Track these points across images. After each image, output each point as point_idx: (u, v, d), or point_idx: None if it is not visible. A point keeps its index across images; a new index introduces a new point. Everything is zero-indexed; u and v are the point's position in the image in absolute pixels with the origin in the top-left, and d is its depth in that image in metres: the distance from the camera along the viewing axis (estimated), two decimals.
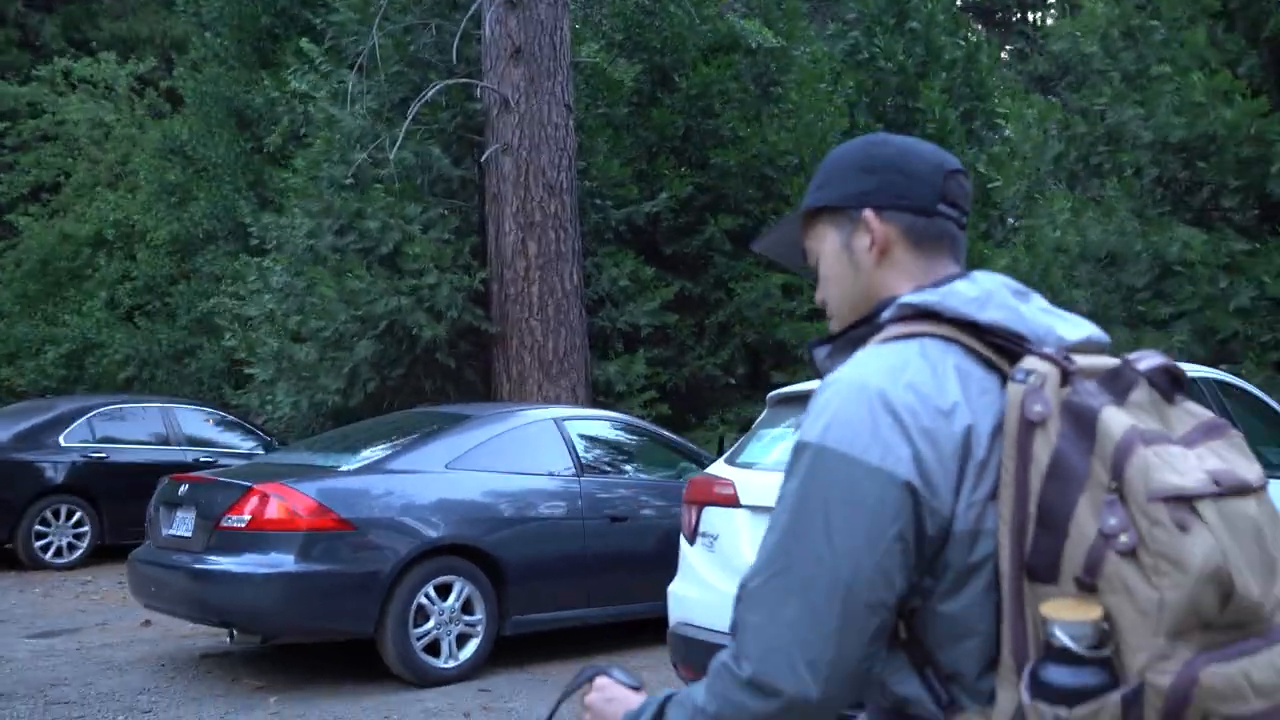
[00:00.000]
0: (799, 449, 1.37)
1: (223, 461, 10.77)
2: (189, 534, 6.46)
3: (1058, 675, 1.23)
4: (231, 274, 15.25)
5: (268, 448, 11.48)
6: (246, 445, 11.60)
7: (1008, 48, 25.78)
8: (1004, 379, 1.35)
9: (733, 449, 5.13)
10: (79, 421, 10.85)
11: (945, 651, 1.35)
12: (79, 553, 10.66)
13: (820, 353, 1.58)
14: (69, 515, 10.65)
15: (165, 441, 11.20)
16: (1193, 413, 1.35)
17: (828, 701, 1.32)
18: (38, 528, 10.49)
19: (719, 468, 5.01)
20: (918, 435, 1.32)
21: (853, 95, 13.53)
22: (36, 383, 17.69)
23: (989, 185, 11.32)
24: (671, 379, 12.13)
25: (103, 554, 10.80)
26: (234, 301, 14.32)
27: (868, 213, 1.53)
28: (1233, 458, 1.32)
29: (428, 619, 6.30)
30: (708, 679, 1.37)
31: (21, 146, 21.16)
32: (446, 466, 6.61)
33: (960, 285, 1.44)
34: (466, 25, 11.44)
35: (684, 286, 12.28)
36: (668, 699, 1.44)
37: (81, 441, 10.78)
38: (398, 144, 10.98)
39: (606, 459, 7.45)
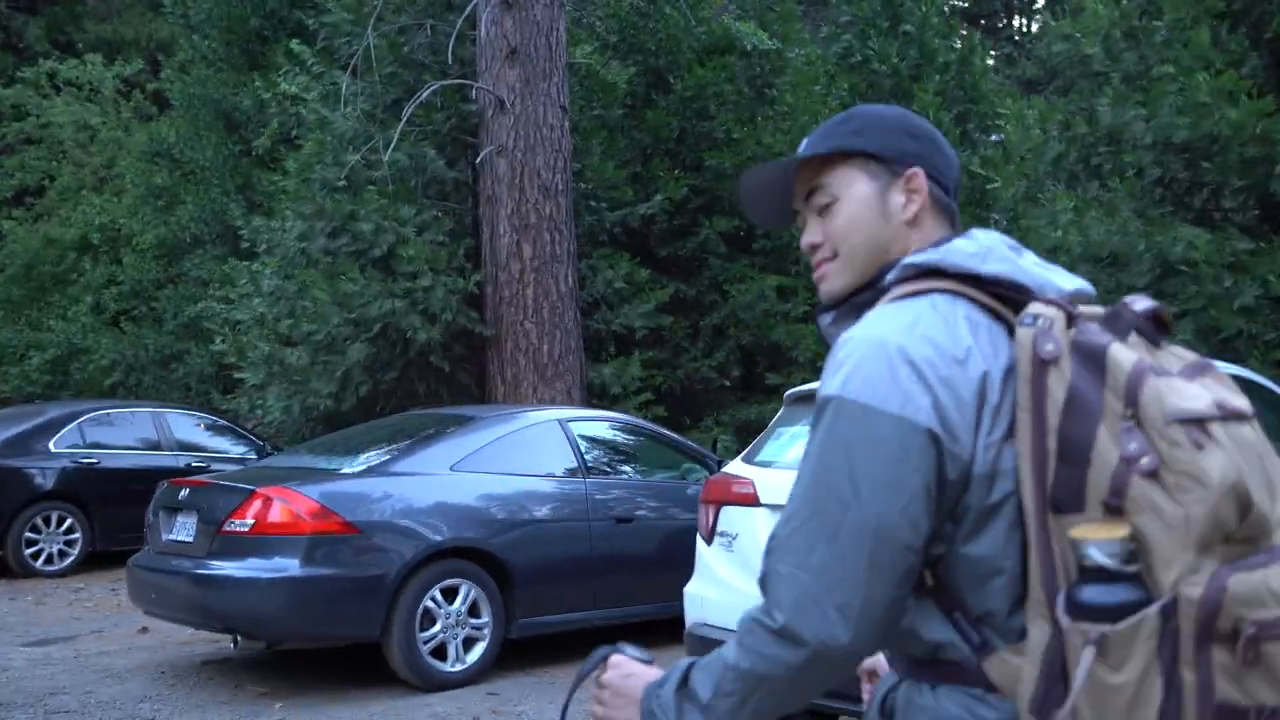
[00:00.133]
0: (821, 404, 1.40)
1: (215, 466, 10.67)
2: (190, 539, 6.36)
3: (1095, 594, 1.28)
4: (220, 278, 15.14)
5: (260, 452, 11.36)
6: (239, 450, 11.48)
7: (994, 53, 25.83)
8: (1009, 327, 1.43)
9: (749, 448, 5.07)
10: (69, 427, 10.71)
11: (974, 593, 1.40)
12: (70, 560, 10.51)
13: (825, 319, 1.62)
14: (60, 522, 10.50)
15: (156, 446, 11.06)
16: (1179, 354, 1.42)
17: (857, 647, 1.35)
18: (28, 535, 10.34)
19: (736, 466, 4.95)
20: (936, 384, 1.37)
21: (846, 97, 13.51)
22: (21, 389, 17.50)
23: (987, 186, 11.29)
24: (666, 381, 12.07)
25: (94, 561, 10.65)
26: (222, 306, 14.21)
27: (920, 173, 1.57)
28: (1225, 390, 1.39)
29: (434, 622, 6.21)
30: (737, 636, 1.38)
31: (5, 149, 20.99)
32: (451, 468, 6.53)
33: (959, 242, 1.50)
34: (461, 26, 11.37)
35: (678, 289, 12.24)
36: (691, 665, 1.45)
37: (72, 447, 10.64)
38: (392, 146, 10.89)
39: (611, 460, 7.39)
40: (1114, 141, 9.06)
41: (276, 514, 6.02)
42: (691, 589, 4.97)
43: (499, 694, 6.16)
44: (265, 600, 5.97)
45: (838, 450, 1.37)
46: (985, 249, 1.49)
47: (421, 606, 6.15)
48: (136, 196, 17.41)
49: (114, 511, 10.52)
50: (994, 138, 15.05)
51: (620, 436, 7.65)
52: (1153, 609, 1.27)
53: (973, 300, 1.45)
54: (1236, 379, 5.48)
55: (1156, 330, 1.42)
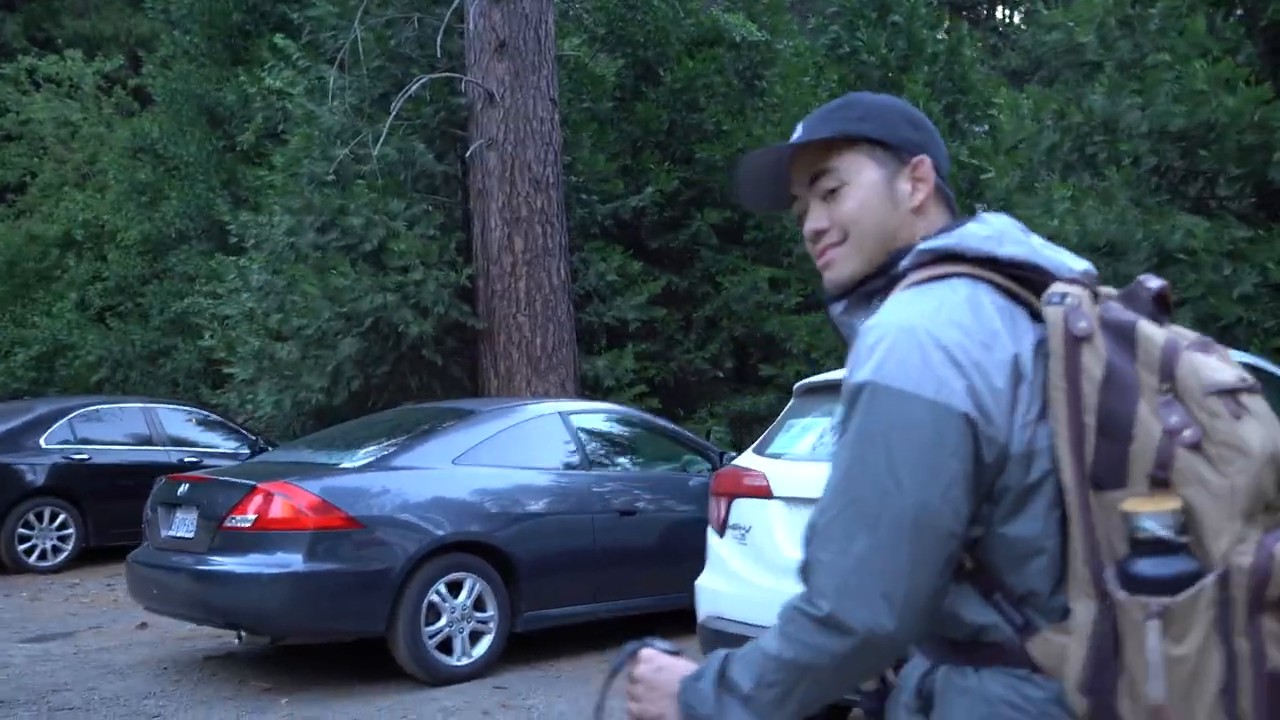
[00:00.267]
0: (854, 390, 1.39)
1: (208, 461, 10.59)
2: (191, 534, 6.31)
3: (1152, 567, 1.29)
4: (206, 273, 15.04)
5: (252, 447, 11.29)
6: (231, 445, 11.40)
7: (978, 44, 25.88)
8: (1027, 308, 1.43)
9: (760, 440, 5.05)
10: (60, 423, 10.62)
11: (1015, 574, 1.39)
12: (64, 555, 10.43)
13: (836, 308, 1.61)
14: (52, 518, 10.41)
15: (148, 442, 10.98)
16: (1181, 332, 1.44)
17: (903, 634, 1.34)
18: (21, 531, 10.25)
19: (748, 459, 4.93)
20: (969, 367, 1.36)
21: (836, 89, 13.48)
22: (6, 385, 17.36)
23: (981, 176, 11.29)
24: (660, 373, 12.05)
25: (88, 556, 10.57)
26: (210, 301, 14.12)
27: (927, 161, 1.57)
28: (1233, 364, 1.41)
29: (439, 617, 6.18)
30: (778, 626, 1.36)
31: None
32: (453, 462, 6.49)
33: (973, 226, 1.50)
34: (449, 19, 11.31)
35: (670, 281, 12.21)
36: (728, 656, 1.42)
37: (63, 443, 10.55)
38: (381, 140, 10.83)
39: (613, 453, 7.36)
40: (1109, 130, 9.06)
41: (278, 509, 5.97)
42: (703, 582, 4.95)
43: (506, 688, 6.13)
44: (268, 596, 5.92)
45: (875, 437, 1.36)
46: (999, 232, 1.50)
47: (426, 601, 6.11)
48: (120, 192, 17.29)
49: (107, 507, 10.44)
50: (979, 128, 15.05)
51: (621, 429, 7.62)
52: (1210, 578, 1.28)
53: (990, 283, 1.45)
54: (1246, 366, 5.50)
55: (1159, 310, 1.44)
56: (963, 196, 13.13)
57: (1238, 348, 7.98)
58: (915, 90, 13.41)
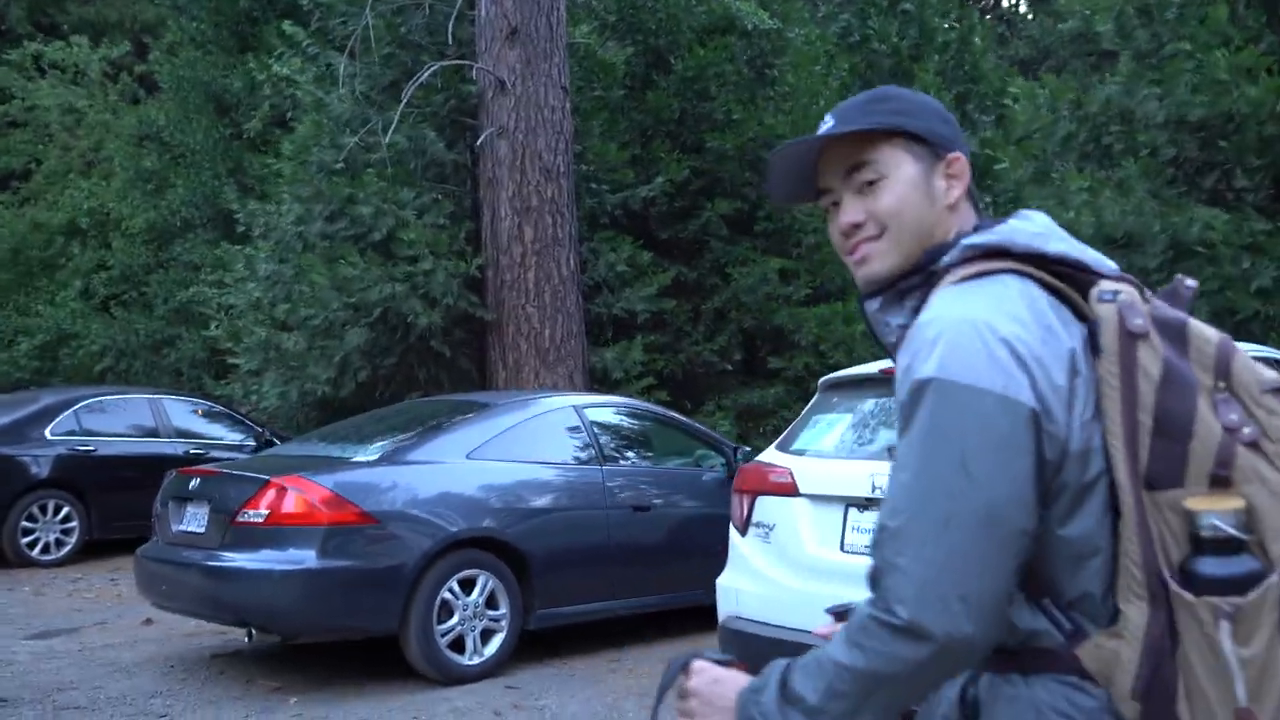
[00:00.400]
0: (918, 386, 1.35)
1: (214, 454, 10.52)
2: (202, 530, 6.22)
3: (1217, 567, 1.27)
4: (212, 262, 14.95)
5: (258, 439, 11.20)
6: (237, 437, 11.32)
7: (986, 34, 25.71)
8: (1071, 306, 1.41)
9: (783, 435, 4.95)
10: (65, 414, 10.53)
11: (1070, 576, 1.37)
12: (67, 549, 10.35)
13: (872, 305, 1.58)
14: (56, 510, 10.33)
15: (154, 434, 10.90)
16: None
17: (982, 639, 1.30)
18: (24, 524, 10.17)
19: (771, 455, 4.83)
20: (1031, 363, 1.34)
21: (847, 78, 13.37)
22: (9, 374, 17.29)
23: (996, 166, 11.18)
24: (668, 365, 11.96)
25: (91, 550, 10.50)
26: (215, 291, 14.03)
27: (963, 158, 1.56)
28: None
29: (452, 614, 6.09)
30: (846, 634, 1.33)
31: None
32: (467, 456, 6.39)
33: (1017, 223, 1.49)
34: (460, 6, 11.19)
35: (680, 272, 12.10)
36: (788, 667, 1.39)
37: (68, 434, 10.47)
38: (392, 128, 10.72)
39: (627, 447, 7.27)
40: (1125, 121, 8.96)
41: (291, 504, 5.88)
42: (725, 581, 4.85)
43: (519, 687, 6.04)
44: (281, 593, 5.83)
45: (945, 434, 1.32)
46: (1046, 228, 1.48)
47: (439, 598, 6.02)
48: (125, 180, 17.19)
49: (111, 499, 10.37)
50: (986, 119, 14.93)
51: (635, 423, 7.53)
52: (1275, 577, 1.27)
53: (1036, 280, 1.43)
54: (1266, 359, 5.38)
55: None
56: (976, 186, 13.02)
57: (1254, 342, 7.89)
58: (926, 79, 13.31)
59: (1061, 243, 1.46)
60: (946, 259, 1.48)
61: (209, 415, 11.54)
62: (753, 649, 4.48)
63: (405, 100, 10.80)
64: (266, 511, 5.90)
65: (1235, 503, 1.28)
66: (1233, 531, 1.27)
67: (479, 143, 11.15)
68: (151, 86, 18.95)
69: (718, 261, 12.32)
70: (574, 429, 6.90)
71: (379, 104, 11.50)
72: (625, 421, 7.46)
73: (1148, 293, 1.44)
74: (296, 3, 13.88)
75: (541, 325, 11.06)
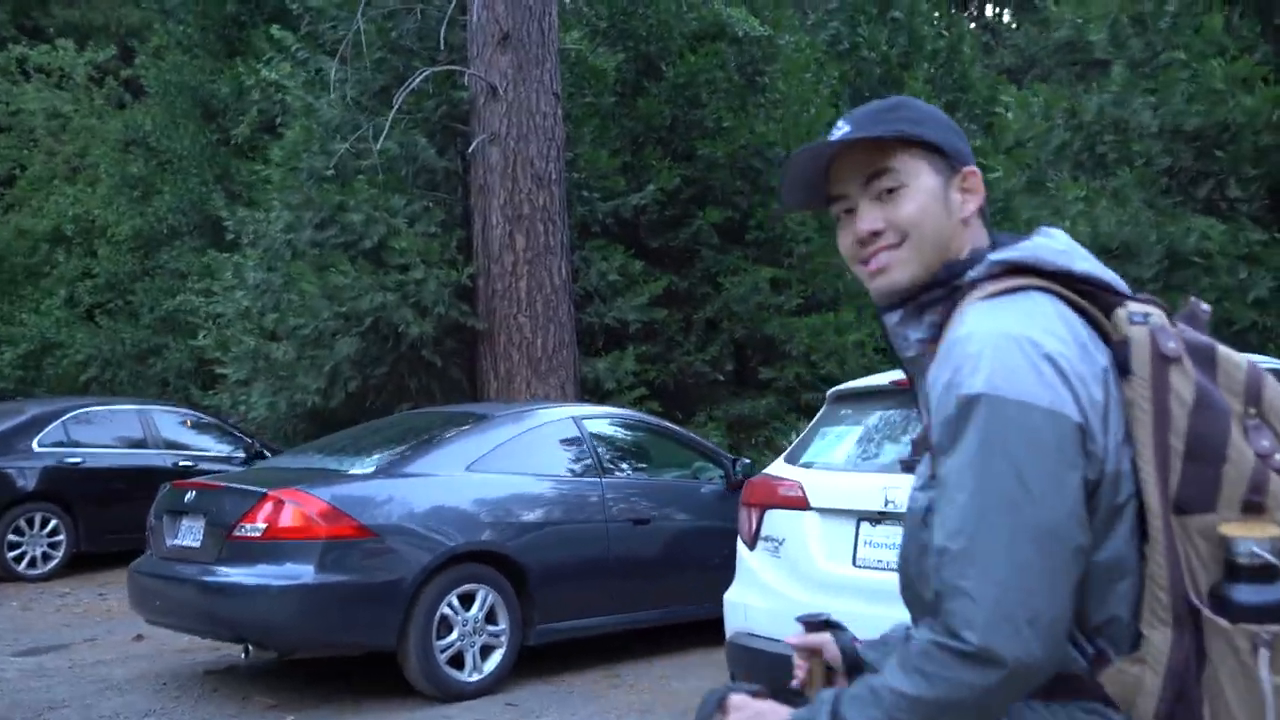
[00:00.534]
0: (967, 402, 1.33)
1: (204, 465, 10.41)
2: (197, 544, 6.13)
3: (1254, 594, 1.26)
4: (199, 270, 14.83)
5: (248, 450, 11.09)
6: (227, 448, 11.20)
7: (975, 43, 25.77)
8: (1096, 326, 1.40)
9: (791, 447, 4.90)
10: (52, 425, 10.40)
11: (1098, 600, 1.35)
12: (54, 563, 10.20)
13: (891, 318, 1.55)
14: (43, 523, 10.19)
15: (143, 445, 10.77)
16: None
17: (1048, 660, 1.28)
18: (11, 537, 10.02)
19: (780, 468, 4.78)
20: (1074, 379, 1.33)
21: (837, 85, 13.36)
22: None
23: (990, 176, 11.16)
24: (660, 375, 11.90)
25: (79, 563, 10.37)
26: (202, 299, 13.92)
27: (979, 172, 1.55)
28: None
29: (451, 630, 6.01)
30: (904, 661, 1.30)
31: None
32: (467, 468, 6.32)
33: (1043, 240, 1.47)
34: (452, 11, 11.13)
35: (671, 281, 12.05)
36: (838, 698, 1.36)
37: (55, 445, 10.34)
38: (384, 134, 10.64)
39: (626, 459, 7.21)
40: (1119, 130, 8.95)
41: (289, 518, 5.80)
42: (733, 596, 4.80)
43: (518, 705, 5.97)
44: (278, 608, 5.75)
45: (999, 451, 1.30)
46: (1070, 247, 1.47)
47: (439, 613, 5.95)
48: (111, 186, 17.05)
49: (99, 512, 10.25)
50: (975, 127, 14.94)
51: (634, 434, 7.47)
52: None
53: (1062, 298, 1.42)
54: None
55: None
56: None
57: (1251, 352, 7.89)
58: (916, 87, 13.32)
59: (1086, 262, 1.45)
60: (973, 273, 1.46)
61: (198, 426, 11.42)
62: (762, 664, 4.44)
63: (397, 106, 10.73)
64: (264, 525, 5.82)
65: (1273, 530, 1.27)
66: (1271, 558, 1.26)
67: (470, 149, 11.09)
68: (137, 91, 18.81)
69: (709, 271, 12.28)
70: (573, 440, 6.84)
71: (370, 110, 11.42)
72: (624, 433, 7.41)
73: (1174, 315, 1.43)
74: (285, 7, 13.80)
75: (533, 335, 11.00)
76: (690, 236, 12.22)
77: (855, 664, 1.69)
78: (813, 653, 1.72)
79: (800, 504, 4.48)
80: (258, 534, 5.81)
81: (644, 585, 6.71)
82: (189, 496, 6.35)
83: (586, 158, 11.85)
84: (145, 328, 16.21)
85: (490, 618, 6.15)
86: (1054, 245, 1.47)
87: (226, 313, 12.59)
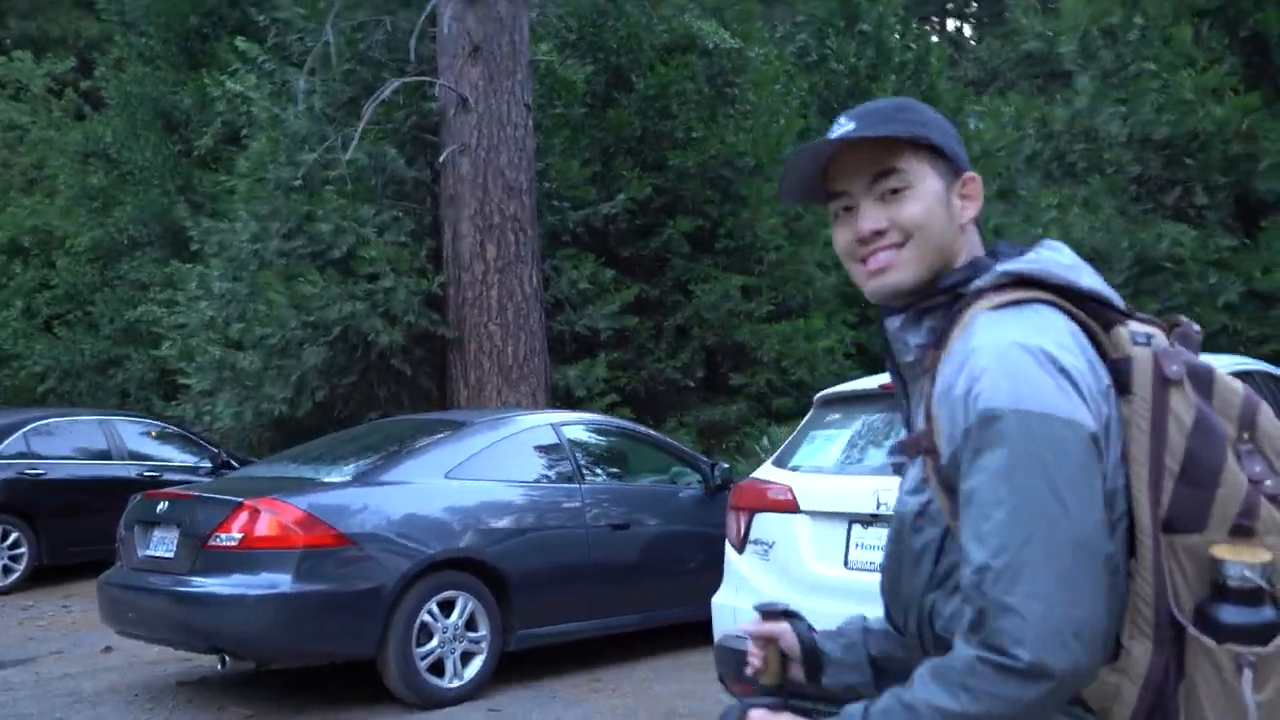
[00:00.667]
0: (992, 417, 1.32)
1: (169, 476, 10.26)
2: (171, 554, 6.02)
3: (1239, 616, 1.29)
4: (160, 281, 14.66)
5: (215, 459, 10.94)
6: (193, 459, 11.04)
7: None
8: (1093, 340, 1.40)
9: (779, 451, 4.89)
10: (13, 436, 10.21)
11: None
12: (15, 575, 10.01)
13: (893, 323, 1.54)
14: (4, 536, 10.00)
15: (106, 456, 10.60)
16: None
17: (1092, 669, 1.29)
18: None
19: (768, 471, 4.76)
20: (1085, 392, 1.34)
21: (806, 96, 13.42)
22: None
23: None
24: (631, 382, 11.89)
25: (42, 576, 10.18)
26: (164, 310, 13.75)
27: (979, 179, 1.55)
28: None
29: (431, 637, 5.94)
30: (945, 678, 1.29)
31: None
32: (446, 475, 6.26)
33: (1050, 253, 1.47)
34: (422, 23, 11.08)
35: (642, 289, 12.05)
36: (866, 715, 1.36)
37: (17, 457, 10.15)
38: (353, 145, 10.57)
39: (604, 465, 7.17)
40: (1090, 139, 9.05)
41: (265, 526, 5.71)
42: (721, 599, 4.78)
43: (500, 710, 5.91)
44: (255, 618, 5.65)
45: (1032, 464, 1.30)
46: (1075, 262, 1.47)
47: (419, 621, 5.87)
48: (70, 198, 16.83)
49: (62, 524, 10.08)
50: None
51: (612, 440, 7.44)
52: None
53: (1066, 312, 1.42)
54: (1256, 373, 5.40)
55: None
56: None
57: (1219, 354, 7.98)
58: (884, 99, 13.37)
59: (1091, 278, 1.46)
60: (980, 283, 1.45)
61: (162, 436, 11.26)
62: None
63: (366, 117, 10.66)
64: (240, 535, 5.72)
65: (1265, 556, 1.30)
66: (1261, 583, 1.29)
67: (441, 160, 11.03)
68: (97, 103, 18.58)
69: (679, 279, 12.29)
70: (552, 447, 6.79)
71: (338, 121, 11.35)
72: (602, 439, 7.37)
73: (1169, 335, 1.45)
74: (250, 20, 13.69)
75: (504, 343, 10.95)
76: (661, 245, 12.23)
77: (812, 653, 1.72)
78: (769, 641, 1.74)
79: (790, 507, 4.46)
80: (234, 543, 5.71)
81: (623, 590, 6.67)
82: (161, 507, 6.24)
83: (557, 168, 11.84)
84: (105, 338, 16.00)
85: (470, 624, 6.09)
86: (1061, 260, 1.47)
87: (191, 323, 12.45)
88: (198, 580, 5.80)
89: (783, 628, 1.74)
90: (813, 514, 4.42)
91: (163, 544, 6.11)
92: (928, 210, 1.49)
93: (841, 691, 1.67)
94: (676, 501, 7.10)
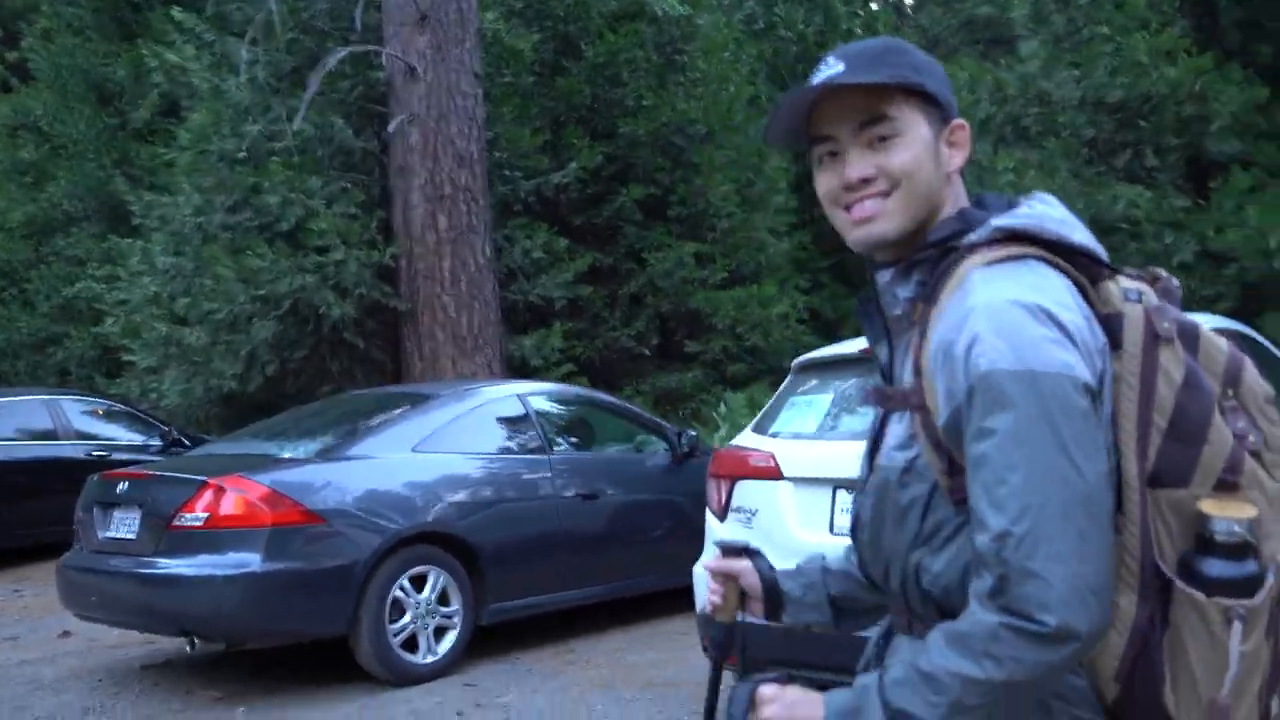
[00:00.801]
0: (993, 378, 1.30)
1: (118, 455, 10.03)
2: (133, 535, 5.87)
3: (1225, 569, 1.30)
4: (98, 256, 14.33)
5: (165, 437, 10.72)
6: (143, 437, 10.79)
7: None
8: (1083, 295, 1.39)
9: (759, 417, 4.86)
10: None
11: None
12: None
13: (883, 277, 1.51)
14: None
15: (53, 436, 10.34)
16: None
17: (1106, 626, 1.30)
18: None
19: (748, 438, 4.73)
20: (1081, 347, 1.33)
21: (755, 64, 13.38)
22: None
23: None
24: (586, 351, 11.84)
25: None
26: (103, 286, 13.45)
27: (967, 126, 1.52)
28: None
29: (404, 613, 5.86)
30: (965, 644, 1.28)
31: None
32: (413, 449, 6.17)
33: (1042, 208, 1.45)
34: None
35: (595, 258, 11.99)
36: (883, 687, 1.34)
37: None
38: (300, 115, 10.36)
39: (572, 435, 7.11)
40: (1044, 102, 9.10)
41: (231, 505, 5.59)
42: (702, 568, 4.74)
43: (477, 685, 5.86)
44: (224, 599, 5.54)
45: (1041, 425, 1.29)
46: (1068, 217, 1.45)
47: (391, 597, 5.80)
48: (0, 173, 16.36)
49: (10, 507, 9.79)
50: None
51: (578, 410, 7.38)
52: (1270, 580, 1.32)
53: (1058, 268, 1.40)
54: (1230, 332, 5.48)
55: None
56: None
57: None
58: None
59: (1082, 233, 1.43)
60: (973, 237, 1.42)
61: (110, 415, 11.00)
62: (734, 636, 4.39)
63: (312, 88, 10.44)
64: (205, 514, 5.61)
65: (1250, 511, 1.31)
66: (1248, 537, 1.30)
67: (390, 130, 10.86)
68: (24, 75, 18.04)
69: (633, 247, 12.24)
70: (519, 418, 6.72)
71: (281, 91, 11.12)
72: (568, 409, 7.32)
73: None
74: None
75: (458, 314, 10.85)
76: (613, 213, 12.17)
77: (772, 591, 1.74)
78: (729, 578, 1.75)
79: (773, 474, 4.44)
80: (199, 523, 5.59)
81: (594, 560, 6.63)
82: (121, 487, 6.09)
83: (507, 137, 11.71)
84: (43, 316, 15.61)
85: (443, 599, 6.02)
86: (1053, 214, 1.44)
87: (133, 299, 12.19)
88: (163, 562, 5.68)
89: (744, 565, 1.75)
90: (796, 480, 4.40)
91: (124, 525, 5.97)
92: (916, 158, 1.45)
93: (803, 630, 1.72)
94: (644, 470, 7.07)
